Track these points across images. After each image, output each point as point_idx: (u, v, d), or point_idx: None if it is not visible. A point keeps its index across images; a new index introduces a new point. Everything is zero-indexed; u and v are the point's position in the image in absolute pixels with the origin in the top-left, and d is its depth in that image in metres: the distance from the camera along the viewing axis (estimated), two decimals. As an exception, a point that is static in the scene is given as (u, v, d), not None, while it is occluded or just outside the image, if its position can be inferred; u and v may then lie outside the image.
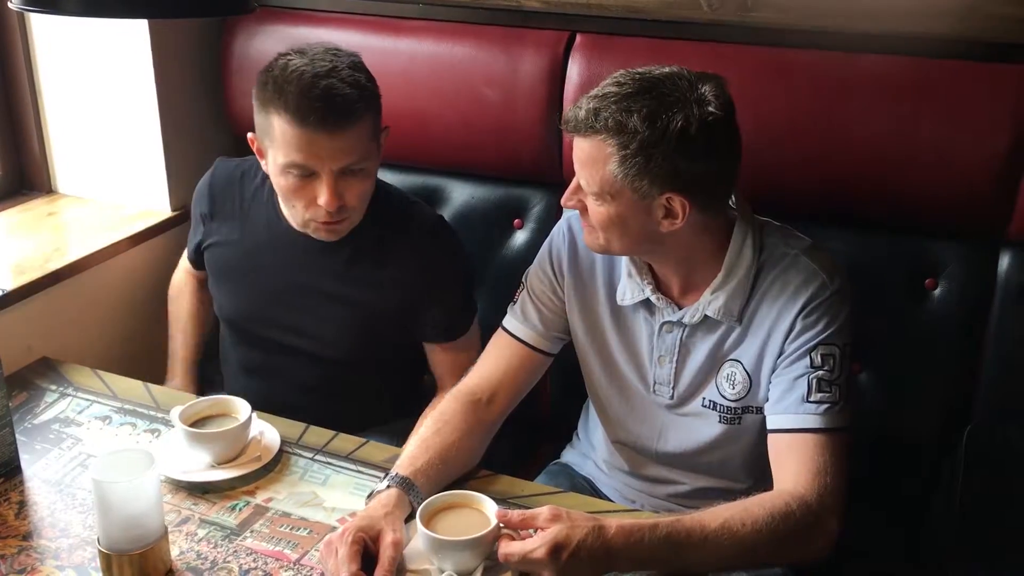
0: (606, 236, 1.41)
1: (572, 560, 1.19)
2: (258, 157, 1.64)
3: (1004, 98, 1.62)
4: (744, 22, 1.84)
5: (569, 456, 1.76)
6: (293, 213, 1.63)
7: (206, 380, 1.92)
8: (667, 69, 1.36)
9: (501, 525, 1.24)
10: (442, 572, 1.23)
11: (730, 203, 1.46)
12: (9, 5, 1.23)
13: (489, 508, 1.27)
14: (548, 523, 1.21)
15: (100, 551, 1.23)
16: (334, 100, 1.49)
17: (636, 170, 1.32)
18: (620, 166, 1.33)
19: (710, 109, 1.32)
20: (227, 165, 1.80)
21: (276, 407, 1.63)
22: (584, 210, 1.42)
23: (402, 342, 1.76)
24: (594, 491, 1.66)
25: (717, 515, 1.27)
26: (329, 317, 1.71)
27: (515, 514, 1.25)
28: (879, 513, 1.75)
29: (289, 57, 1.54)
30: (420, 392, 1.82)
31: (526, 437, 1.94)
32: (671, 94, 1.32)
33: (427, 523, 1.25)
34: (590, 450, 1.70)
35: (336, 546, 1.23)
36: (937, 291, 1.71)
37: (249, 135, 1.63)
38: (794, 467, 1.35)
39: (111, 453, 1.26)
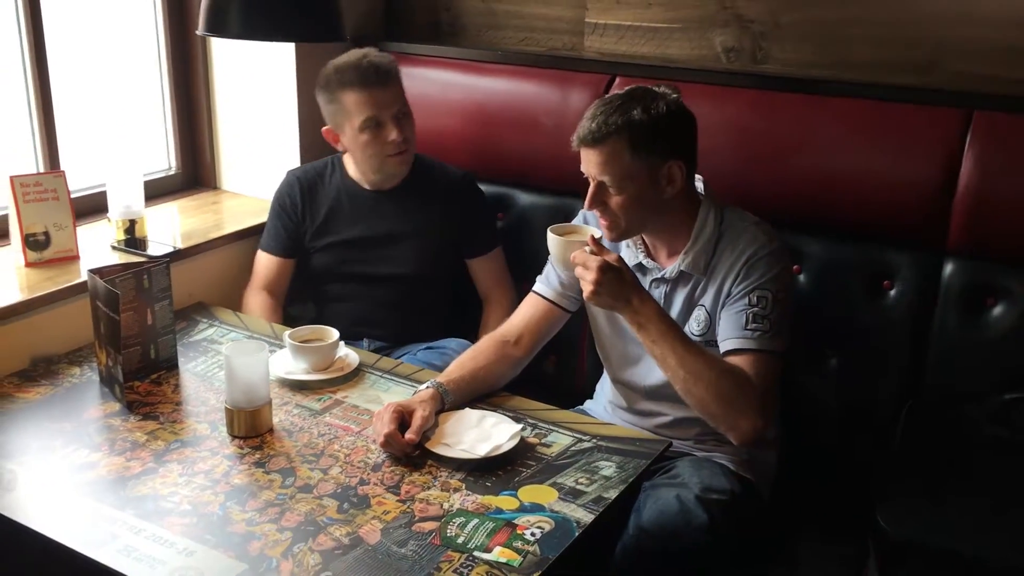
0: (627, 220, 1.85)
1: (611, 281, 1.73)
2: (334, 143, 2.31)
3: (941, 135, 2.02)
4: (752, 71, 2.31)
5: (588, 404, 2.22)
6: (372, 162, 2.28)
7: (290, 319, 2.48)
8: (627, 88, 1.87)
9: (587, 245, 1.76)
10: (459, 440, 1.73)
11: (699, 190, 1.93)
12: (196, 32, 1.84)
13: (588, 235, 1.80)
14: (615, 260, 1.74)
15: (226, 408, 1.78)
16: (380, 64, 2.24)
17: (646, 150, 1.78)
18: (634, 153, 1.78)
19: (674, 96, 1.83)
20: (299, 171, 2.44)
21: (365, 323, 2.31)
22: (605, 207, 1.86)
23: (453, 262, 2.41)
24: (599, 426, 2.12)
25: (705, 349, 1.78)
26: (401, 247, 2.34)
27: (597, 245, 1.77)
28: (833, 473, 2.13)
29: (332, 62, 2.27)
30: (464, 314, 2.43)
31: (565, 402, 2.40)
32: (646, 95, 1.83)
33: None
34: (601, 395, 2.16)
35: (382, 415, 1.75)
36: (892, 291, 2.08)
37: (323, 129, 2.32)
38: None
39: (238, 340, 1.81)
